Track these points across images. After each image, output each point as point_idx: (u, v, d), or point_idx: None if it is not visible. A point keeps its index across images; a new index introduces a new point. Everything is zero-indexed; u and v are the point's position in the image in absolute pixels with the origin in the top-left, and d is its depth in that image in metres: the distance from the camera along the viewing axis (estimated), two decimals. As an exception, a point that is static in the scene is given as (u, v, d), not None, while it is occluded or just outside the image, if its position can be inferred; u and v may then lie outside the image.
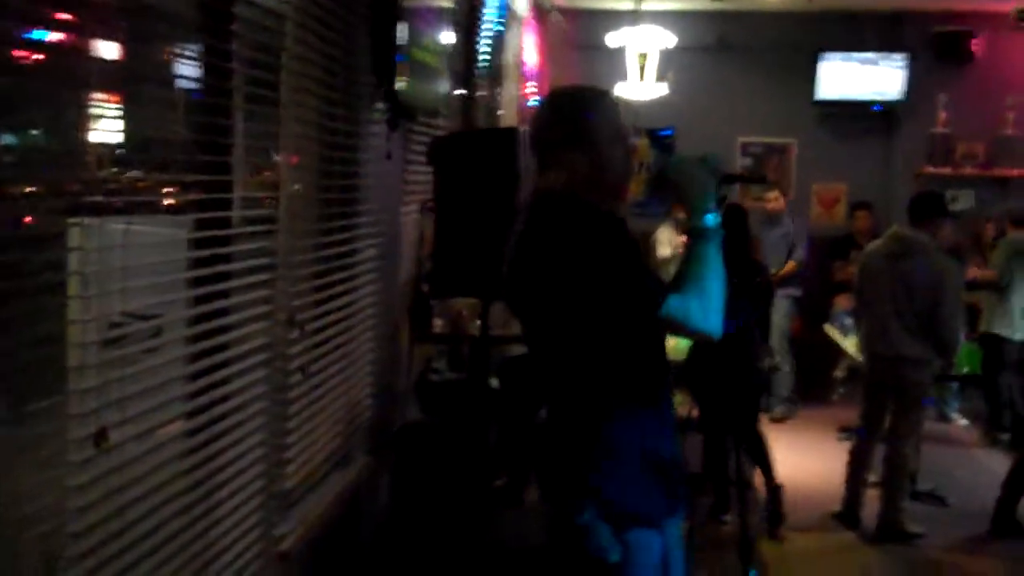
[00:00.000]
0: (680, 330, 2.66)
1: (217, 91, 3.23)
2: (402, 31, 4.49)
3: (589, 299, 2.60)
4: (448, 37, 5.72)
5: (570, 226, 2.65)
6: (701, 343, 6.17)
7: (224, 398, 3.25)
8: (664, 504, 2.78)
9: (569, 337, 2.70)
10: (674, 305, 2.58)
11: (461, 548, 4.61)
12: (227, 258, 3.31)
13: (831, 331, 8.56)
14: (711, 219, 2.69)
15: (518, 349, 7.30)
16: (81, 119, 2.68)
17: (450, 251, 4.30)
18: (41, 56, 2.53)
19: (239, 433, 3.34)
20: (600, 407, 2.71)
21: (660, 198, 8.58)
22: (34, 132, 2.65)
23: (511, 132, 4.43)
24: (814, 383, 9.72)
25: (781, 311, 9.06)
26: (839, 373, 9.80)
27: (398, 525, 4.83)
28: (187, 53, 3.19)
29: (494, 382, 5.51)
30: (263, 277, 3.51)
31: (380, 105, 4.60)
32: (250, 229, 3.49)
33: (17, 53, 2.42)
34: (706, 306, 2.61)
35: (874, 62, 10.52)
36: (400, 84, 4.51)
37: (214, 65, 3.21)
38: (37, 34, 2.54)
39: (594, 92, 2.92)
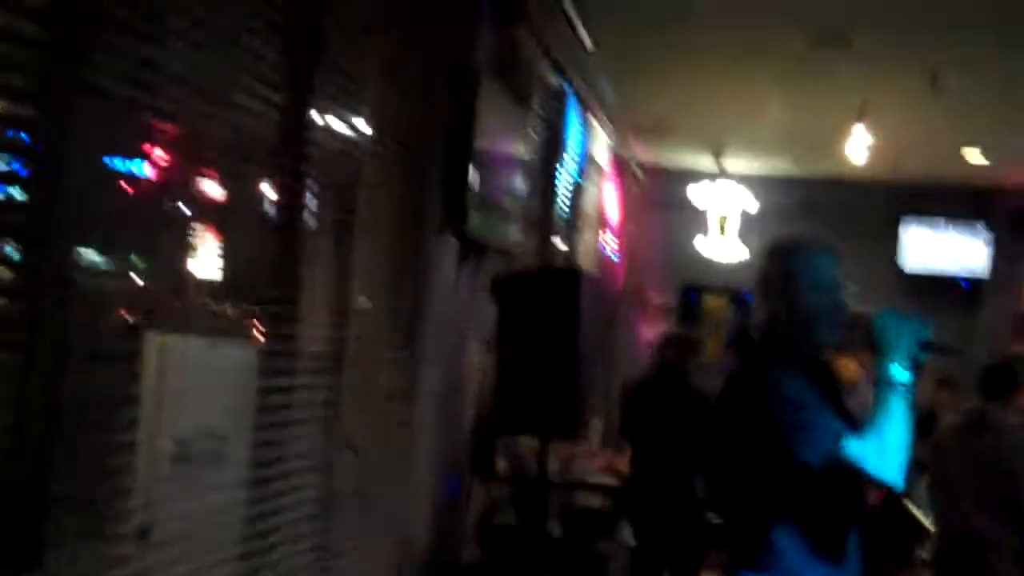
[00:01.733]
0: (860, 472, 2.73)
1: (290, 227, 3.35)
2: (473, 172, 4.57)
3: (776, 433, 2.75)
4: (524, 181, 5.81)
5: (772, 366, 2.88)
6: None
7: (275, 526, 3.26)
8: None
9: (757, 468, 2.86)
10: (852, 448, 2.67)
11: None
12: (290, 387, 3.37)
13: (914, 508, 8.26)
14: (900, 372, 2.74)
15: (583, 495, 7.27)
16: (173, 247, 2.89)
17: (510, 388, 4.28)
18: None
19: (287, 558, 3.32)
20: (776, 539, 2.81)
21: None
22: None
23: (574, 274, 4.45)
24: (894, 560, 9.34)
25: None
26: (924, 554, 9.41)
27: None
28: (265, 192, 3.32)
29: (555, 528, 5.42)
30: (322, 407, 3.55)
31: (450, 240, 4.65)
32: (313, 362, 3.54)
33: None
34: (884, 454, 2.69)
35: (958, 232, 10.46)
36: (470, 220, 4.57)
37: (288, 203, 3.33)
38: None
39: (800, 245, 3.09)
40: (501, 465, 5.43)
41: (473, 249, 4.87)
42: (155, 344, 2.95)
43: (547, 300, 4.21)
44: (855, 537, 2.91)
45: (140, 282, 2.97)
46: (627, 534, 6.64)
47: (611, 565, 6.45)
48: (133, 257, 2.86)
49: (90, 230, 2.51)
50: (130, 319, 2.83)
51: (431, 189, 4.51)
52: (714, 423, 3.12)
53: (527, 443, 5.36)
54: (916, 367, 2.78)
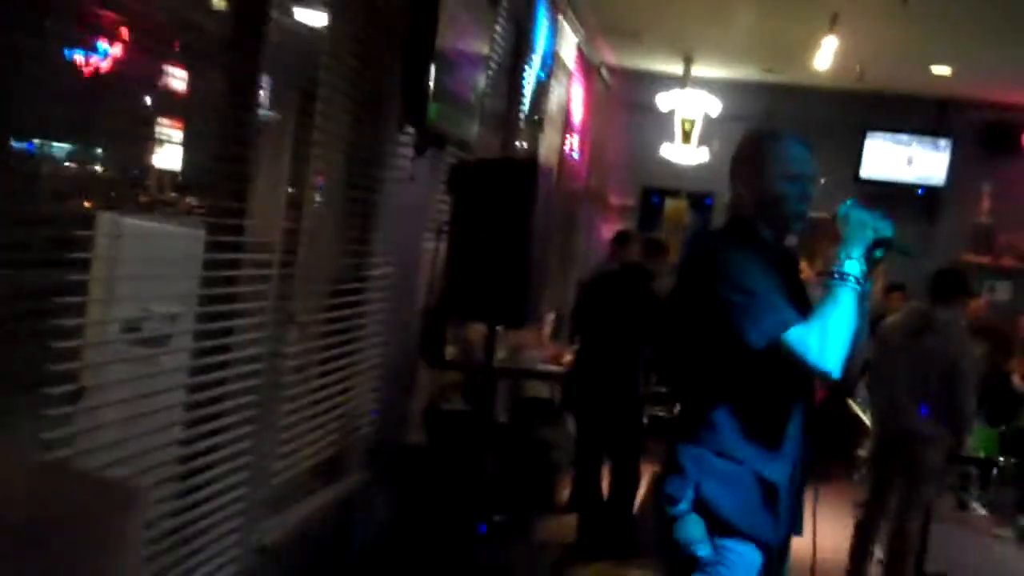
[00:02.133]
0: (795, 360, 2.72)
1: (243, 119, 3.38)
2: (434, 65, 4.61)
3: (723, 312, 2.79)
4: (488, 77, 5.85)
5: (719, 248, 2.97)
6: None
7: (220, 396, 3.39)
8: (765, 525, 2.89)
9: (702, 347, 2.92)
10: (794, 336, 2.70)
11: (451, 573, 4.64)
12: (237, 263, 3.48)
13: (855, 406, 8.49)
14: (853, 266, 2.78)
15: (531, 384, 7.43)
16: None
17: (461, 275, 4.37)
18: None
19: (231, 428, 3.46)
20: (714, 415, 2.87)
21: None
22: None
23: (529, 164, 4.51)
24: (837, 459, 9.60)
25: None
26: (862, 452, 9.68)
27: (391, 543, 4.87)
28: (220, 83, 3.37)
29: (502, 415, 5.56)
30: (270, 292, 3.67)
31: (408, 130, 4.71)
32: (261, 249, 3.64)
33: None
34: (825, 343, 2.69)
35: (919, 145, 10.56)
36: (429, 111, 4.62)
37: (243, 86, 3.38)
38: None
39: (774, 132, 3.13)
40: (450, 351, 5.55)
41: (432, 141, 4.93)
42: (106, 225, 3.09)
43: (501, 189, 4.26)
44: (795, 427, 2.93)
45: (94, 168, 3.11)
46: (571, 423, 6.79)
47: (555, 452, 6.61)
48: (84, 145, 3.00)
49: (39, 117, 2.61)
50: (84, 203, 2.99)
51: (391, 81, 4.55)
52: (669, 304, 3.20)
53: (477, 330, 5.48)
54: (871, 263, 2.83)
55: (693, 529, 2.82)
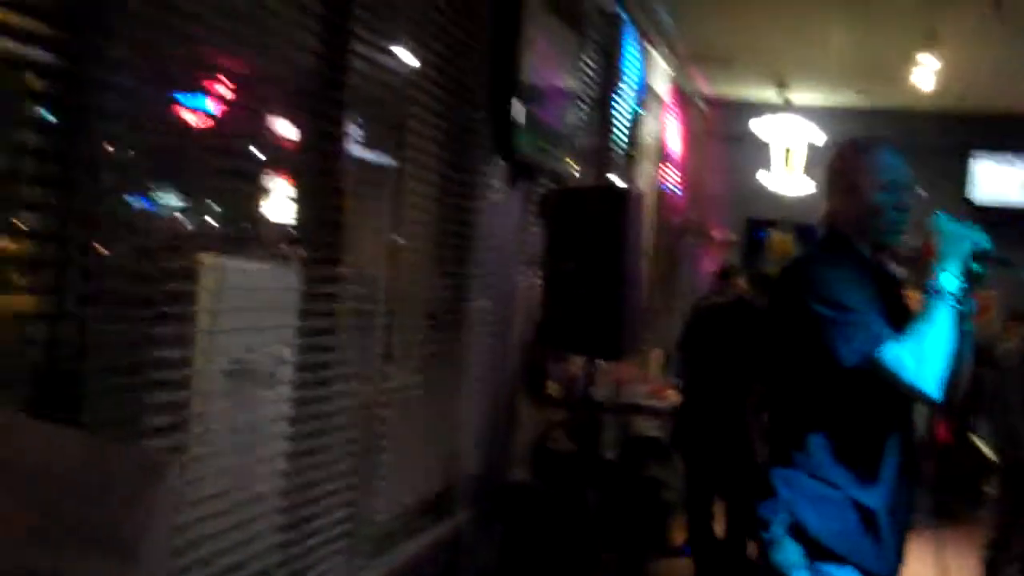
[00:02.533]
0: (890, 379, 2.61)
1: (332, 163, 3.44)
2: (520, 96, 4.58)
3: (816, 329, 2.69)
4: (578, 108, 5.82)
5: (813, 262, 2.90)
6: None
7: (321, 436, 3.39)
8: (866, 551, 2.77)
9: (796, 368, 2.84)
10: (889, 353, 2.58)
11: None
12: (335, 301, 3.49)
13: (978, 440, 8.17)
14: (949, 281, 2.64)
15: (640, 423, 7.29)
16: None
17: (556, 306, 4.30)
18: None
19: (332, 466, 3.45)
20: (809, 437, 2.78)
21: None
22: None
23: (622, 192, 4.44)
24: (962, 496, 9.22)
25: (921, 416, 8.66)
26: (989, 488, 9.30)
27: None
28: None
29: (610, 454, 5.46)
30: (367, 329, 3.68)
31: (499, 164, 4.68)
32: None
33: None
34: (922, 362, 2.57)
35: (1028, 164, 10.25)
36: (516, 141, 4.59)
37: (330, 138, 3.43)
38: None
39: (869, 141, 3.07)
40: (553, 388, 5.47)
41: (523, 172, 4.88)
42: (210, 266, 3.20)
43: (593, 217, 4.20)
44: (893, 454, 2.80)
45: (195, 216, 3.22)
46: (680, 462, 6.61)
47: (666, 492, 6.45)
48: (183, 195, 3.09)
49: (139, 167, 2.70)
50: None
51: (478, 114, 4.54)
52: (764, 324, 3.16)
53: (579, 366, 5.39)
54: (971, 278, 2.68)
55: (789, 553, 2.73)
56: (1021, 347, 6.15)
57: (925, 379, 2.56)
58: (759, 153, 9.90)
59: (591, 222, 4.19)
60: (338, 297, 3.48)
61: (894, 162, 2.89)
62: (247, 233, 3.69)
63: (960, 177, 10.33)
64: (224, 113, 3.08)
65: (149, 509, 1.20)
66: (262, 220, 3.56)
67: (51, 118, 2.28)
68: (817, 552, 2.72)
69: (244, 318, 3.24)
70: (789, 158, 10.09)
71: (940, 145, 10.18)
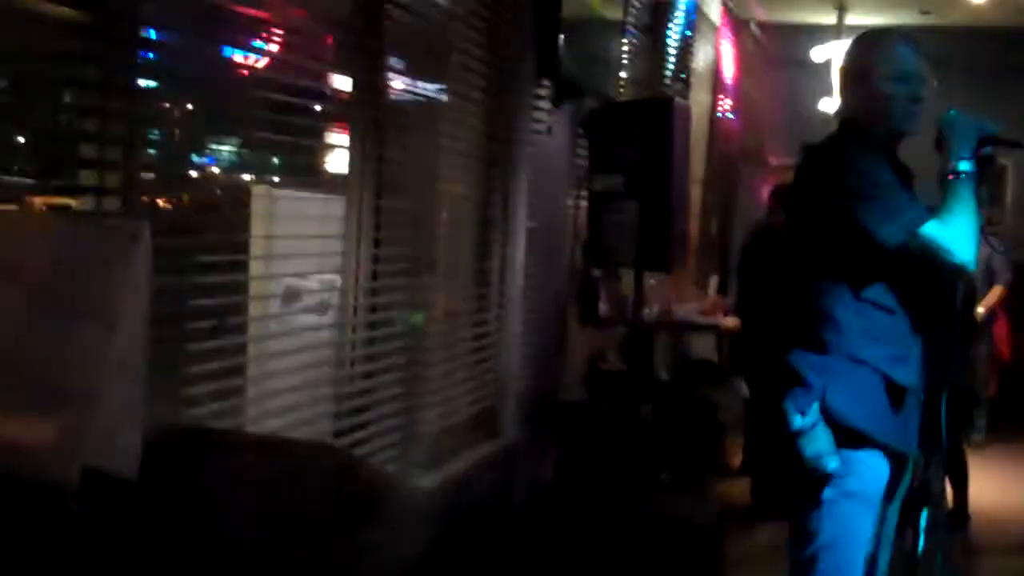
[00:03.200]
0: (935, 252, 2.72)
1: (375, 95, 3.50)
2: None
3: (855, 210, 2.74)
4: (628, 32, 5.80)
5: (841, 149, 2.90)
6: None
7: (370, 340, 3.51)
8: (893, 430, 2.81)
9: (830, 247, 2.85)
10: (932, 228, 2.70)
11: (621, 525, 4.60)
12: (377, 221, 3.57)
13: None
14: (966, 164, 2.78)
15: (695, 345, 7.27)
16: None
17: (602, 221, 4.32)
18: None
19: (381, 384, 3.58)
20: (839, 315, 2.81)
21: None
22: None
23: (666, 102, 4.42)
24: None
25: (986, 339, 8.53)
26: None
27: (553, 499, 4.86)
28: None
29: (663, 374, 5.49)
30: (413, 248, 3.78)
31: (544, 83, 4.70)
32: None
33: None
34: (961, 236, 2.72)
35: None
36: (564, 64, 4.60)
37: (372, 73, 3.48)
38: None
39: (880, 32, 3.24)
40: (603, 308, 5.49)
41: (568, 93, 4.89)
42: (260, 194, 3.45)
43: (638, 131, 4.20)
44: (922, 337, 2.87)
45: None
46: (742, 386, 6.61)
47: (722, 413, 6.46)
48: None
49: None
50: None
51: (524, 36, 4.56)
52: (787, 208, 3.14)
53: (629, 286, 5.41)
54: (982, 160, 2.81)
55: (821, 442, 2.74)
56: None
57: (962, 252, 2.71)
58: (816, 78, 9.74)
59: (636, 135, 4.19)
60: (383, 224, 3.56)
61: (906, 52, 2.93)
62: (295, 167, 3.85)
63: (1025, 96, 10.07)
64: (266, 57, 3.19)
65: (124, 277, 1.28)
66: (309, 155, 3.66)
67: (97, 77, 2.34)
68: (846, 436, 2.75)
69: (294, 246, 3.38)
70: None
71: (1007, 62, 9.99)
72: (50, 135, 2.42)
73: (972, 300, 6.20)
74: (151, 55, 2.66)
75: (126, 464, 1.28)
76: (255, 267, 3.35)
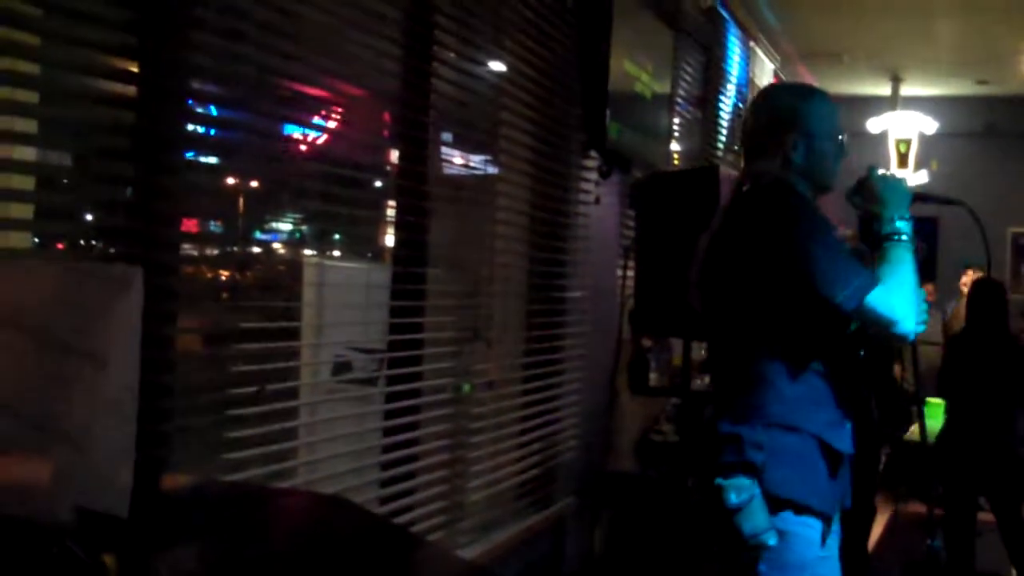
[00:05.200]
0: (880, 321, 2.59)
1: (421, 169, 3.60)
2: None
3: (807, 275, 2.59)
4: (674, 105, 5.87)
5: (784, 210, 2.67)
6: (956, 423, 6.04)
7: (415, 408, 3.57)
8: (829, 497, 2.71)
9: (771, 316, 2.70)
10: (878, 295, 2.57)
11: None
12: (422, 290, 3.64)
13: None
14: (906, 225, 2.70)
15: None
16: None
17: (651, 291, 4.34)
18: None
19: (426, 452, 3.63)
20: (781, 385, 2.68)
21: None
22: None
23: (711, 170, 4.43)
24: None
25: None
26: None
27: (607, 569, 4.84)
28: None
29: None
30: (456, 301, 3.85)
31: (592, 155, 4.76)
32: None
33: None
34: (906, 303, 2.60)
35: None
36: (609, 132, 4.67)
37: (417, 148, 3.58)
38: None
39: (811, 88, 3.07)
40: (653, 378, 5.49)
41: (616, 163, 4.95)
42: (312, 265, 3.74)
43: (684, 200, 4.21)
44: (854, 401, 2.77)
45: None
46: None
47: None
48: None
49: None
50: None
51: (573, 109, 4.64)
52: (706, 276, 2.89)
53: (679, 358, 5.41)
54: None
55: (759, 517, 2.58)
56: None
57: (908, 320, 2.59)
58: (872, 148, 9.74)
59: (682, 205, 4.19)
60: (428, 294, 3.62)
61: (834, 108, 2.88)
62: (344, 238, 3.95)
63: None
64: (315, 131, 3.29)
65: (117, 320, 1.32)
66: (358, 226, 3.75)
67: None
68: (782, 508, 2.61)
69: (343, 315, 3.46)
70: (903, 151, 9.93)
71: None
72: (102, 206, 2.50)
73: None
74: (201, 128, 2.77)
75: (119, 504, 1.31)
76: (306, 334, 3.46)
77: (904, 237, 2.67)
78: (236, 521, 1.51)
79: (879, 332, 2.65)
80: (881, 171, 2.85)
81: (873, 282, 2.58)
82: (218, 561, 1.38)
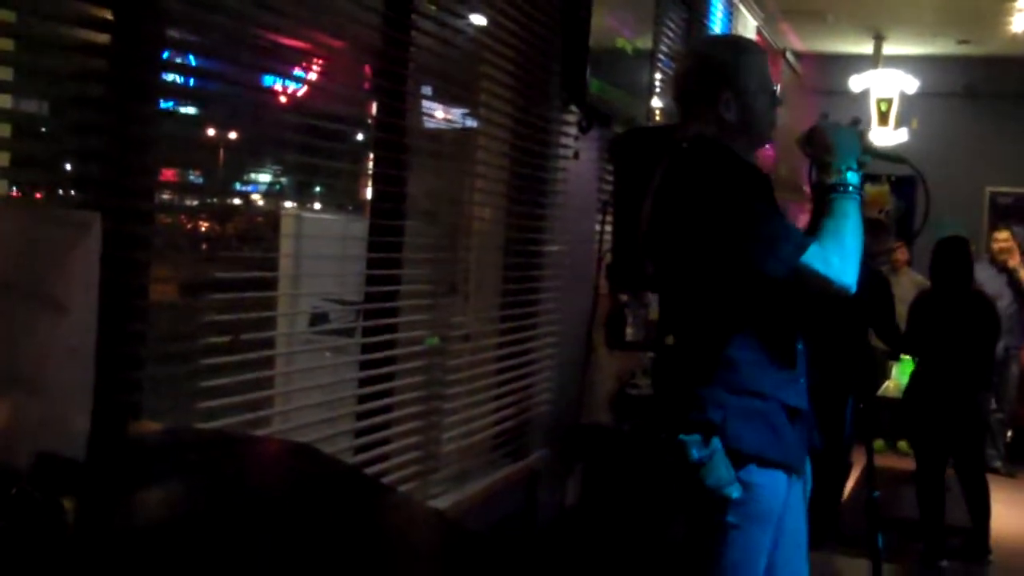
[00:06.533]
0: (817, 281, 2.58)
1: (398, 122, 3.58)
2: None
3: (729, 242, 2.60)
4: (657, 60, 5.87)
5: (721, 173, 2.66)
6: (921, 376, 6.11)
7: (391, 360, 3.57)
8: (790, 449, 2.75)
9: (704, 279, 2.71)
10: (814, 253, 2.56)
11: (643, 549, 4.62)
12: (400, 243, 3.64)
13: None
14: (854, 176, 2.69)
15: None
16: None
17: (626, 246, 4.35)
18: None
19: (401, 402, 3.64)
20: (725, 349, 2.70)
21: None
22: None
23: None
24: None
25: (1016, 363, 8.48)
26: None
27: (577, 521, 4.89)
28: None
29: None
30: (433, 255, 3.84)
31: (571, 109, 4.76)
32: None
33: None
34: (845, 258, 2.58)
35: None
36: (589, 87, 4.67)
37: (395, 97, 3.56)
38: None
39: (741, 40, 3.00)
40: (630, 333, 5.52)
41: (596, 119, 4.95)
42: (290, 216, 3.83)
43: (661, 154, 4.21)
44: (805, 354, 2.80)
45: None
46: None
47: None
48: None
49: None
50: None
51: (553, 62, 4.63)
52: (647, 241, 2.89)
53: (655, 312, 5.44)
54: (860, 169, 2.73)
55: (722, 471, 2.62)
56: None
57: (848, 274, 2.58)
58: (853, 106, 9.75)
59: (658, 160, 4.20)
60: (405, 247, 3.63)
61: (764, 59, 2.85)
62: (323, 190, 3.96)
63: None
64: (296, 87, 3.28)
65: (76, 265, 1.32)
66: (336, 180, 3.75)
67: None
68: (745, 462, 2.65)
69: (320, 267, 3.47)
70: (884, 110, 9.94)
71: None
72: (78, 155, 2.50)
73: (994, 331, 6.17)
74: (179, 78, 2.76)
75: (76, 449, 1.33)
76: (283, 285, 3.48)
77: (851, 188, 2.66)
78: (200, 467, 1.53)
79: (818, 289, 2.61)
80: (833, 120, 2.83)
81: (805, 244, 2.57)
82: (180, 506, 1.40)
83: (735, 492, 2.63)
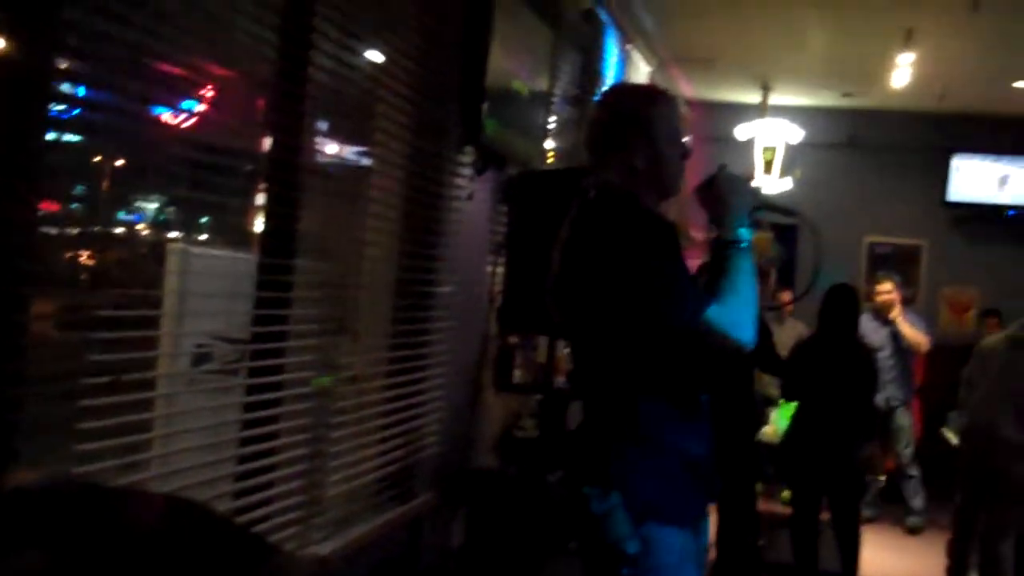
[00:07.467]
0: (717, 338, 2.61)
1: (293, 158, 3.51)
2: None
3: (635, 298, 2.60)
4: (555, 103, 5.89)
5: (628, 226, 2.65)
6: (800, 421, 6.20)
7: (277, 401, 3.50)
8: (691, 504, 2.77)
9: (611, 332, 2.71)
10: (714, 314, 2.58)
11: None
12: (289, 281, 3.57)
13: (949, 434, 8.19)
14: (747, 233, 2.73)
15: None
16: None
17: (519, 288, 4.35)
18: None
19: (284, 446, 3.56)
20: (632, 401, 2.71)
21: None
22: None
23: (582, 171, 4.46)
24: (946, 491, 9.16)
25: (905, 415, 8.63)
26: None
27: (462, 565, 4.84)
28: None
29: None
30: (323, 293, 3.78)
31: (467, 150, 4.75)
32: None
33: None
34: (744, 316, 2.62)
35: (1013, 165, 10.29)
36: (485, 128, 4.66)
37: (290, 134, 3.50)
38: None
39: (654, 90, 2.97)
40: (518, 375, 5.51)
41: (491, 160, 4.95)
42: (176, 251, 3.55)
43: (555, 198, 4.21)
44: (706, 405, 2.81)
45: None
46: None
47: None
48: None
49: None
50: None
51: (448, 104, 4.62)
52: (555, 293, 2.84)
53: (543, 354, 5.44)
54: (754, 225, 2.77)
55: (621, 526, 2.62)
56: (1001, 341, 6.22)
57: (745, 331, 2.62)
58: (739, 154, 9.94)
59: (551, 204, 4.20)
60: (294, 285, 3.56)
61: (675, 110, 2.86)
62: (212, 224, 3.85)
63: (940, 178, 10.37)
64: (185, 115, 3.17)
65: None
66: (227, 214, 3.66)
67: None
68: (644, 516, 2.64)
69: (206, 304, 3.38)
70: (769, 158, 10.15)
71: (920, 145, 10.28)
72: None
73: (872, 381, 6.31)
74: (64, 107, 2.67)
75: None
76: (167, 323, 3.36)
77: (743, 245, 2.69)
78: (72, 528, 1.44)
79: (718, 346, 2.64)
80: (730, 171, 2.84)
81: (706, 302, 2.59)
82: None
83: (633, 548, 2.62)
